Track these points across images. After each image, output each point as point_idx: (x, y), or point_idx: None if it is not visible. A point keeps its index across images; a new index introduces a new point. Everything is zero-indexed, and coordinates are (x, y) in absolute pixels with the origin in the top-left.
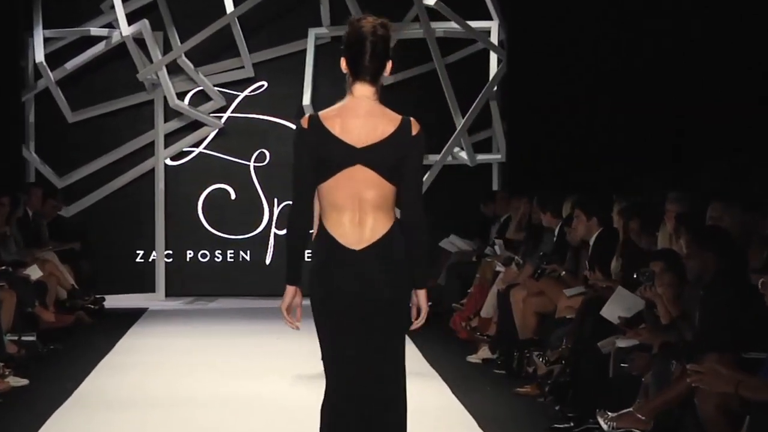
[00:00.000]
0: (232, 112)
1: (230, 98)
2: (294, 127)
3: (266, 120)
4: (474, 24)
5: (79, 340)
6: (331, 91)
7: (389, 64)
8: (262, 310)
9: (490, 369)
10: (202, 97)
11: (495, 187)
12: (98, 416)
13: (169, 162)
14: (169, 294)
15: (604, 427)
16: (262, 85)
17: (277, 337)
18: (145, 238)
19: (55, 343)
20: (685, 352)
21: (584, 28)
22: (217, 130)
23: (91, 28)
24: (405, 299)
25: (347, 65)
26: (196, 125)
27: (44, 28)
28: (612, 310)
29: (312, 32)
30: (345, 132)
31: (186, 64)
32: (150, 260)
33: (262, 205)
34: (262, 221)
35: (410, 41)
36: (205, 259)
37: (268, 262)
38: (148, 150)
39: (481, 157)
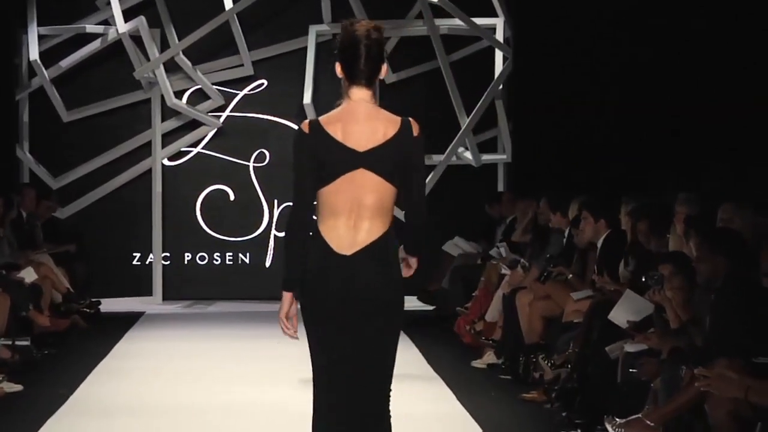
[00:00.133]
0: (231, 111)
1: (229, 97)
2: (295, 126)
3: (266, 119)
4: (479, 21)
5: (75, 344)
6: (332, 89)
7: (384, 67)
8: (262, 314)
9: (495, 374)
10: (200, 96)
11: (500, 187)
12: (94, 423)
13: (166, 162)
14: (166, 297)
15: None
16: (262, 84)
17: (277, 342)
18: (142, 241)
19: (49, 348)
20: (695, 357)
21: (592, 25)
22: (215, 130)
23: (87, 25)
24: (400, 301)
25: (342, 70)
26: (194, 125)
27: (39, 25)
28: (620, 314)
29: (313, 29)
30: (347, 136)
31: (184, 62)
32: (147, 263)
33: (262, 206)
34: (261, 223)
35: (414, 39)
36: (204, 262)
37: (267, 264)
38: (145, 150)
39: (487, 158)
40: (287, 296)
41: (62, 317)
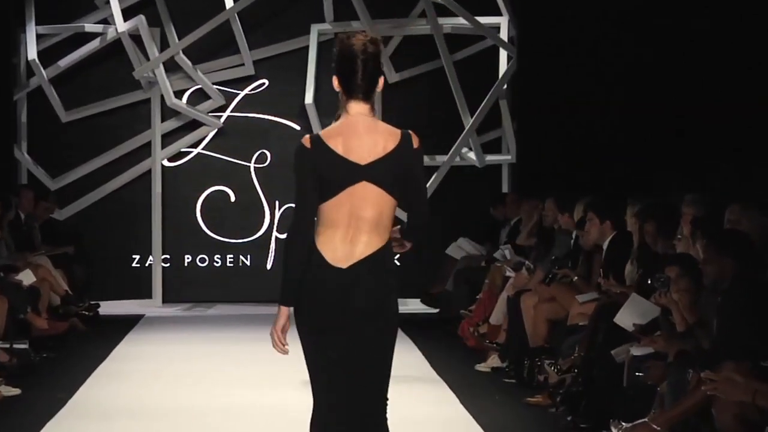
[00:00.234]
0: (231, 112)
1: (230, 97)
2: (296, 126)
3: (267, 119)
4: (483, 20)
5: (73, 347)
6: (333, 89)
7: (381, 80)
8: (263, 317)
9: (499, 378)
10: (200, 96)
11: (505, 188)
12: (93, 426)
13: (166, 163)
14: (166, 300)
15: None
16: (263, 84)
17: None
18: (142, 242)
19: (48, 351)
20: (702, 360)
21: (597, 25)
22: (216, 130)
23: (86, 24)
24: (395, 309)
25: (339, 84)
26: (194, 125)
27: (37, 24)
28: (626, 317)
29: (314, 28)
30: (348, 150)
31: (184, 61)
32: (146, 265)
33: (263, 207)
34: (262, 224)
35: (417, 38)
36: (204, 264)
37: (269, 267)
38: (145, 150)
39: (491, 158)
40: (284, 310)
41: (61, 320)
